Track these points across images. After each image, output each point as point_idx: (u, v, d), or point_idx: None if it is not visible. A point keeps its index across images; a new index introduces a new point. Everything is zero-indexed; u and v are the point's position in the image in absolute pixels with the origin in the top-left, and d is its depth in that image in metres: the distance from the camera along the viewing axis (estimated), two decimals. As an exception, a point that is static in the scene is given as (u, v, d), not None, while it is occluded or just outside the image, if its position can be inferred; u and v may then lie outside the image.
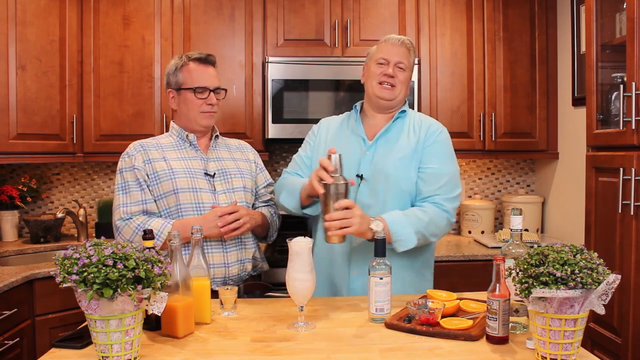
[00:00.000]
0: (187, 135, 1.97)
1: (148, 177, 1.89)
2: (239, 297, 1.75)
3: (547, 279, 1.20)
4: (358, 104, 2.03)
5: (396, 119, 1.96)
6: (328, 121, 2.10)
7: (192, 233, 1.57)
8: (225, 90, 2.03)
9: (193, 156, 1.96)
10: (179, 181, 1.88)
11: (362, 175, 1.90)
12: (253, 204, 2.06)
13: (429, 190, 1.87)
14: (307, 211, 1.91)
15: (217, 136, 2.04)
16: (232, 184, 1.97)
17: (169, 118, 2.99)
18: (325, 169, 1.68)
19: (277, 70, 2.96)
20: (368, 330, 1.51)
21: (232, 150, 2.08)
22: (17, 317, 2.28)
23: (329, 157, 1.69)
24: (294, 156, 2.07)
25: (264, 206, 2.10)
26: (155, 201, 1.90)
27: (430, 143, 1.91)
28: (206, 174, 1.93)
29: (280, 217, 2.17)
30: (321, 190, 1.68)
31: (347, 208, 1.67)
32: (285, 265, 1.60)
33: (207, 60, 1.96)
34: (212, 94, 1.95)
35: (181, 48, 3.01)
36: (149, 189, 1.89)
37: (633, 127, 1.96)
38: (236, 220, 1.85)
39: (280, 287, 2.66)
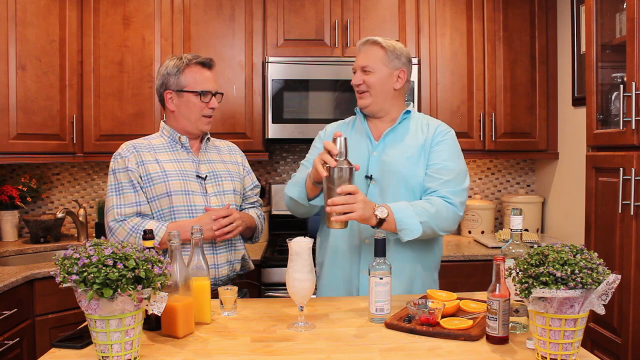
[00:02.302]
0: (179, 137, 1.97)
1: (141, 179, 1.89)
2: None
3: (547, 279, 1.20)
4: (358, 108, 2.02)
5: (402, 120, 1.95)
6: (334, 125, 2.09)
7: (192, 233, 1.57)
8: (222, 94, 2.04)
9: (185, 158, 1.96)
10: (172, 184, 1.89)
11: (371, 175, 1.89)
12: (240, 206, 2.08)
13: (434, 185, 1.87)
14: (314, 202, 1.89)
15: (208, 139, 2.04)
16: (222, 187, 1.98)
17: (169, 118, 2.99)
18: (329, 153, 1.66)
19: (277, 70, 2.96)
20: (368, 330, 1.51)
21: (222, 152, 2.09)
22: (17, 317, 2.28)
23: (334, 140, 1.66)
24: (302, 161, 2.06)
25: (251, 208, 2.12)
26: (148, 203, 1.90)
27: (437, 142, 1.91)
28: (198, 176, 1.94)
29: (265, 218, 2.17)
30: (324, 174, 1.65)
31: (350, 193, 1.65)
32: (285, 265, 1.60)
33: (209, 65, 1.98)
34: (213, 98, 1.96)
35: (181, 48, 3.01)
36: (142, 191, 1.89)
37: (633, 127, 1.96)
38: (230, 224, 1.87)
39: (279, 286, 2.67)
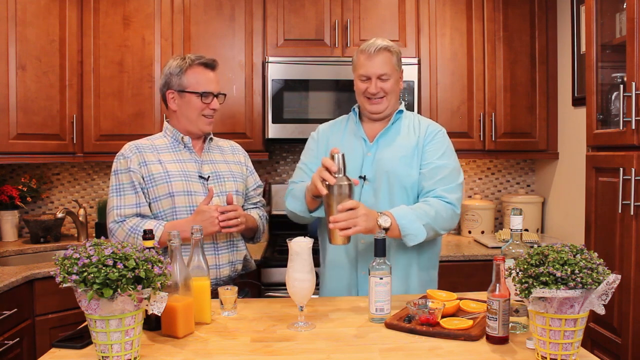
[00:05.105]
0: (182, 138, 1.97)
1: (143, 179, 1.89)
2: None
3: (547, 279, 1.20)
4: (356, 107, 2.02)
5: (395, 120, 1.97)
6: (326, 126, 2.09)
7: (192, 233, 1.57)
8: (225, 95, 2.03)
9: (188, 159, 1.96)
10: (175, 184, 1.88)
11: (365, 176, 1.90)
12: (243, 206, 2.06)
13: (429, 185, 1.87)
14: (316, 214, 1.90)
15: (210, 139, 2.04)
16: (225, 187, 1.97)
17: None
18: (327, 170, 1.66)
19: (277, 70, 2.96)
20: (368, 330, 1.51)
21: (225, 152, 2.08)
22: (17, 317, 2.28)
23: (332, 157, 1.67)
24: (298, 164, 2.05)
25: (253, 208, 2.12)
26: (149, 204, 1.90)
27: (429, 141, 1.93)
28: (200, 177, 1.94)
29: (268, 219, 2.17)
30: (324, 192, 1.66)
31: (351, 209, 1.66)
32: (285, 265, 1.60)
33: (212, 65, 1.97)
34: (215, 99, 1.96)
35: (181, 48, 3.01)
36: (144, 192, 1.89)
37: (633, 127, 1.96)
38: (236, 218, 1.85)
39: (279, 286, 2.67)
